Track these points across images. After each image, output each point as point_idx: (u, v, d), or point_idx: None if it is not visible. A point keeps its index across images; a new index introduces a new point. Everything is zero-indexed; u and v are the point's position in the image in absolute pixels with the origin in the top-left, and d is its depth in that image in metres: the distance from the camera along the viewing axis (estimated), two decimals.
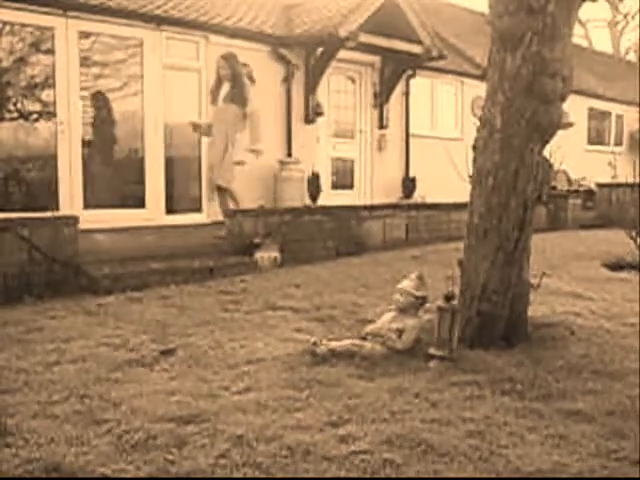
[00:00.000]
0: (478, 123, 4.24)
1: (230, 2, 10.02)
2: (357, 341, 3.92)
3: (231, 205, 7.60)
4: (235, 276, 6.41)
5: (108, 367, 3.67)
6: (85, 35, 8.01)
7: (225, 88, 7.53)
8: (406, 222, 9.20)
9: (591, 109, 16.74)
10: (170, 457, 2.55)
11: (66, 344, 4.13)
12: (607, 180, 13.59)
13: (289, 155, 10.04)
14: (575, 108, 13.75)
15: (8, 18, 7.46)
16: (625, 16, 31.97)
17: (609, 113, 17.61)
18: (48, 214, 6.76)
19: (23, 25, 7.61)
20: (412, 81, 11.94)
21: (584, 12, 28.91)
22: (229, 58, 7.60)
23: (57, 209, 7.66)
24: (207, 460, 2.53)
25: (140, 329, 4.49)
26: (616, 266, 7.24)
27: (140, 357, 3.86)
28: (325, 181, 10.69)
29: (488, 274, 4.07)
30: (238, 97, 7.44)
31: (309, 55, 10.17)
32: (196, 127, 7.95)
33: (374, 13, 10.05)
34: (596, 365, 3.74)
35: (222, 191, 7.62)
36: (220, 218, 7.63)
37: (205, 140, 8.41)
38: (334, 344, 3.86)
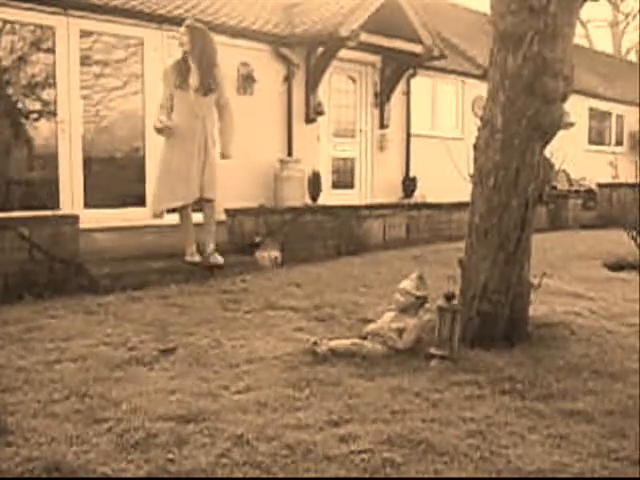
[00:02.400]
0: (479, 123, 4.24)
1: (231, 1, 10.01)
2: (357, 340, 3.92)
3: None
4: (236, 275, 6.41)
5: (108, 366, 3.67)
6: (86, 34, 7.99)
7: (194, 71, 6.12)
8: (406, 222, 9.21)
9: (592, 109, 16.73)
10: (170, 456, 2.55)
11: (66, 343, 4.13)
12: (608, 180, 13.60)
13: (290, 154, 10.03)
14: (576, 108, 13.76)
15: (8, 17, 7.45)
16: (626, 16, 31.96)
17: (609, 113, 17.61)
18: (49, 213, 6.76)
19: (23, 24, 7.59)
20: (413, 81, 11.93)
21: (585, 12, 28.92)
22: (195, 30, 6.15)
23: (57, 208, 7.66)
24: (207, 459, 2.53)
25: (140, 328, 4.49)
26: (617, 266, 7.24)
27: (140, 356, 3.85)
28: (326, 180, 10.68)
29: (489, 274, 4.07)
30: (212, 83, 6.15)
31: (310, 54, 10.16)
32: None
33: (375, 12, 10.04)
34: (596, 365, 3.74)
35: (208, 203, 6.30)
36: (221, 218, 7.62)
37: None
38: (334, 343, 3.86)
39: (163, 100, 6.23)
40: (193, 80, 6.11)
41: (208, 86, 6.13)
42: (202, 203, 6.32)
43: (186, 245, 6.44)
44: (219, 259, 6.29)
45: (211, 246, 6.35)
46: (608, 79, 18.38)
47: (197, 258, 6.36)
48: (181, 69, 6.14)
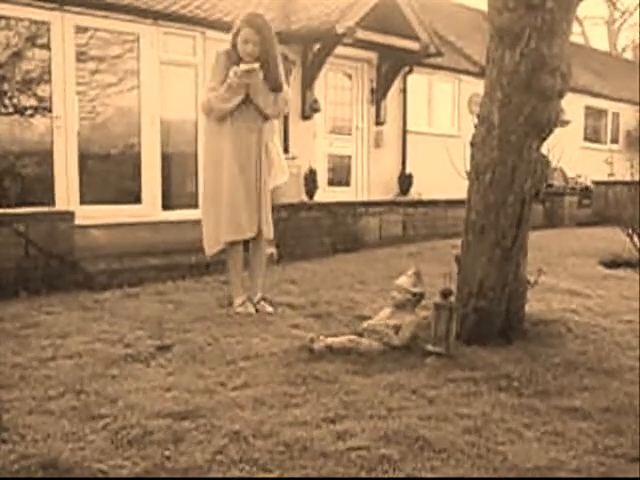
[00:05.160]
0: (475, 120, 4.24)
1: None
2: (354, 337, 3.91)
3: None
4: None
5: (104, 363, 3.66)
6: (81, 30, 7.98)
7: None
8: (403, 219, 9.21)
9: (588, 107, 16.77)
10: (167, 453, 2.54)
11: (62, 340, 4.11)
12: (603, 178, 13.63)
13: (286, 151, 10.02)
14: (572, 106, 13.78)
15: (3, 12, 7.42)
16: (623, 13, 32.03)
17: (605, 111, 17.64)
18: (44, 209, 6.75)
19: (19, 19, 7.58)
20: (409, 78, 11.94)
21: (581, 9, 28.95)
22: (262, 25, 4.84)
23: (53, 204, 7.64)
24: (204, 456, 2.52)
25: (136, 325, 4.47)
26: (613, 264, 7.27)
27: (136, 353, 3.84)
28: (322, 177, 10.69)
29: (485, 271, 4.07)
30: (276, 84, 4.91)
31: (306, 51, 10.16)
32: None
33: (372, 9, 10.05)
34: (593, 362, 3.74)
35: (258, 239, 5.01)
36: None
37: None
38: (331, 340, 3.85)
39: (215, 84, 4.81)
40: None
41: (275, 84, 4.88)
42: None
43: (234, 291, 5.04)
44: (269, 308, 4.97)
45: (259, 294, 5.05)
46: (604, 77, 18.41)
47: (251, 309, 4.91)
48: (236, 64, 4.76)
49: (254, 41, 4.78)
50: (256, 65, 4.74)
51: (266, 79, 4.83)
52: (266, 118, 4.96)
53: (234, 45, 4.86)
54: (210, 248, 5.00)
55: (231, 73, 4.71)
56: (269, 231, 5.03)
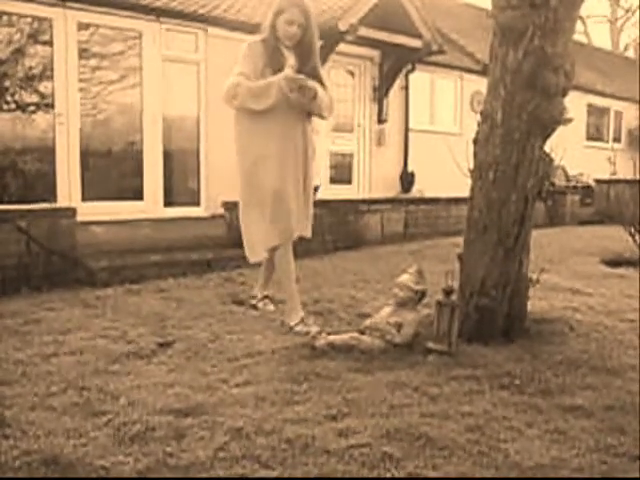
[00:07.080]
0: (477, 118, 4.23)
1: None
2: (356, 335, 3.91)
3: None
4: (233, 269, 6.40)
5: (106, 359, 3.67)
6: (84, 26, 7.97)
7: (290, 61, 4.47)
8: (405, 216, 9.21)
9: (590, 105, 16.73)
10: (169, 449, 2.54)
11: (64, 336, 4.12)
12: (605, 176, 13.63)
13: None
14: (574, 104, 13.74)
15: (5, 8, 7.42)
16: (626, 12, 31.99)
17: (608, 109, 17.61)
18: (46, 206, 6.75)
19: (21, 15, 7.57)
20: (412, 76, 11.91)
21: (584, 8, 28.88)
22: (309, 9, 4.45)
23: (55, 201, 7.64)
24: (206, 453, 2.52)
25: (138, 321, 4.48)
26: (614, 262, 7.26)
27: (138, 349, 3.85)
28: (323, 175, 10.68)
29: (487, 269, 4.07)
30: (317, 72, 4.58)
31: None
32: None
33: (374, 7, 10.03)
34: (595, 360, 3.74)
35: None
36: (219, 211, 7.60)
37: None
38: (333, 338, 3.85)
39: (245, 71, 4.37)
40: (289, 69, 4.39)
41: (316, 76, 4.51)
42: None
43: (260, 286, 5.04)
44: (270, 306, 4.96)
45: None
46: (607, 75, 18.38)
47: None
48: (273, 52, 4.44)
49: (300, 23, 4.40)
50: (311, 82, 4.38)
51: (304, 67, 4.48)
52: (311, 114, 4.59)
53: (273, 26, 4.42)
54: (256, 254, 4.55)
55: (283, 75, 4.26)
56: (310, 230, 4.69)
